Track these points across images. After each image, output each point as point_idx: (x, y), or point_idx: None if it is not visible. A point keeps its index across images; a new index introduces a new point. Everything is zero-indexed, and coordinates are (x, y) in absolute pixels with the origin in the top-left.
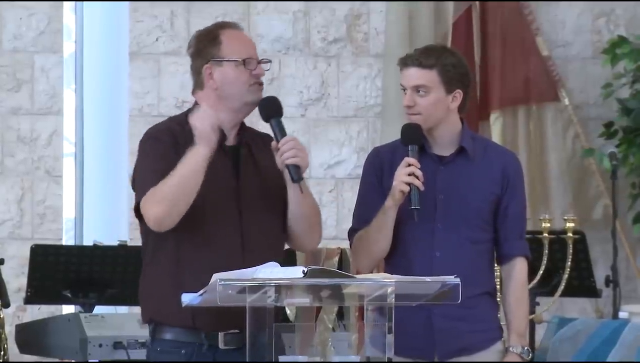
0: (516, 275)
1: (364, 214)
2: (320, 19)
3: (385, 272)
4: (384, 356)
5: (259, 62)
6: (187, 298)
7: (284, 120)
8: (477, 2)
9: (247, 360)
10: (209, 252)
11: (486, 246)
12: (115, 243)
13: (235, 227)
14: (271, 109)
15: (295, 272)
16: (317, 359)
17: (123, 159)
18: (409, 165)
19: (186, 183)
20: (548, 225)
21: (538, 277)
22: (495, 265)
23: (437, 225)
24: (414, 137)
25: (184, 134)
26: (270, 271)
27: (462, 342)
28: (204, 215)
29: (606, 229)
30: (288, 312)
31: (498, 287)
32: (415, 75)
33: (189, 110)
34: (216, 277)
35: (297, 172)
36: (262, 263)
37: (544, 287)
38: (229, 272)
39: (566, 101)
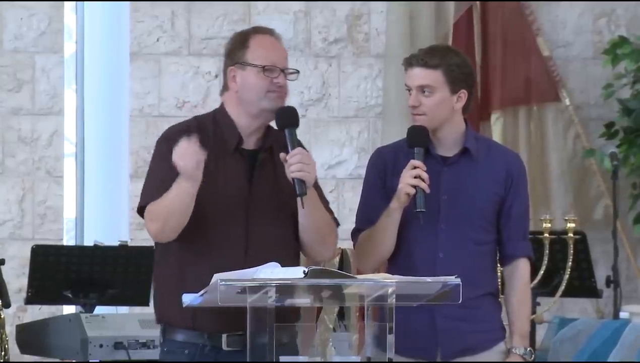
0: (519, 276)
1: (367, 215)
2: (321, 19)
3: (388, 272)
4: (384, 356)
5: (283, 70)
6: (187, 299)
7: None
8: (478, 2)
9: (248, 360)
10: (211, 255)
11: (489, 247)
12: (115, 243)
13: (241, 232)
14: (286, 119)
15: (295, 272)
16: (318, 359)
17: (124, 159)
18: (415, 167)
19: (175, 209)
20: (549, 225)
21: (539, 277)
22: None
23: (440, 226)
24: (420, 139)
25: (206, 133)
26: (271, 271)
27: (465, 343)
28: (211, 219)
29: (607, 229)
30: None
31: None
32: (420, 75)
33: (216, 111)
34: (217, 277)
35: (300, 186)
36: None
37: (545, 287)
38: (229, 272)
39: (567, 101)
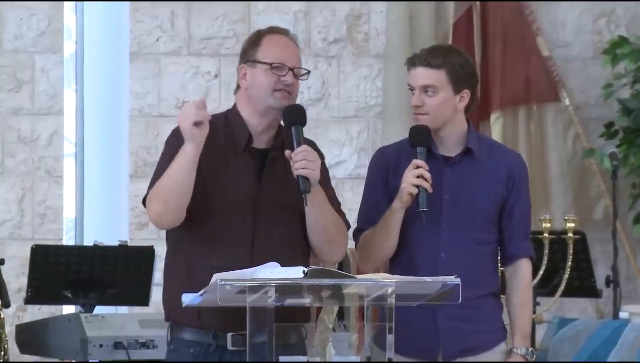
0: (521, 277)
1: (369, 215)
2: (320, 19)
3: (390, 272)
4: (384, 356)
5: (292, 69)
6: (187, 299)
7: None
8: (478, 2)
9: (247, 360)
10: (217, 254)
11: (491, 247)
12: (115, 243)
13: (247, 231)
14: (293, 117)
15: (295, 272)
16: (317, 359)
17: (123, 159)
18: (417, 167)
19: (176, 181)
20: (548, 225)
21: (538, 277)
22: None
23: (442, 226)
24: (422, 139)
25: (218, 132)
26: (271, 271)
27: (466, 343)
28: (218, 217)
29: (607, 229)
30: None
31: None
32: (423, 75)
33: (229, 110)
34: (216, 277)
35: (304, 183)
36: None
37: (545, 287)
38: (229, 272)
39: (567, 101)
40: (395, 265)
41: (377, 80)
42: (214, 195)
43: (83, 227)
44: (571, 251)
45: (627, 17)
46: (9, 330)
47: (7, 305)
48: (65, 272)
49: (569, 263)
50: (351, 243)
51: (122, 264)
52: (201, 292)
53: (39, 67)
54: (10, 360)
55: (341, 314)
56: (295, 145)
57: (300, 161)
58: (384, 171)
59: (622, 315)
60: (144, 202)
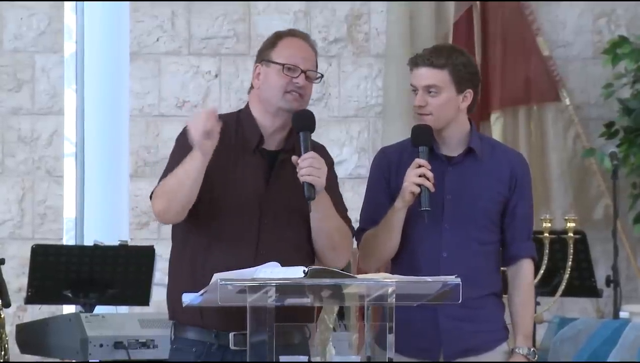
0: (523, 277)
1: (371, 214)
2: (320, 19)
3: (392, 271)
4: (385, 355)
5: (304, 71)
6: (187, 298)
7: None
8: (478, 2)
9: (248, 360)
10: (222, 254)
11: (493, 247)
12: (115, 243)
13: (253, 232)
14: (302, 122)
15: (295, 272)
16: (317, 359)
17: (124, 158)
18: (420, 166)
19: (181, 183)
20: (549, 225)
21: (539, 277)
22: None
23: (444, 226)
24: (424, 138)
25: (229, 131)
26: (271, 271)
27: (468, 343)
28: (225, 217)
29: (607, 229)
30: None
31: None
32: (426, 75)
33: (241, 109)
34: (217, 276)
35: (309, 190)
36: None
37: (545, 287)
38: (230, 271)
39: (567, 101)
40: (398, 264)
41: (377, 80)
42: (221, 194)
43: (83, 227)
44: (571, 251)
45: (627, 17)
46: (9, 330)
47: (7, 305)
48: (65, 271)
49: (569, 263)
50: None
51: (123, 264)
52: (201, 291)
53: (39, 66)
54: (11, 360)
55: (341, 314)
56: (302, 151)
57: (307, 168)
58: (386, 171)
59: (623, 314)
60: (151, 196)
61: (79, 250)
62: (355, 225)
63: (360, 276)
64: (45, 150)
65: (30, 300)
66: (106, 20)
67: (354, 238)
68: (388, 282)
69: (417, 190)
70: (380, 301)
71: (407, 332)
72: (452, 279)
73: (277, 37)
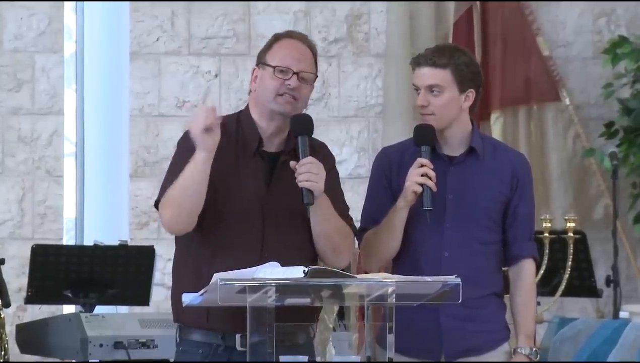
0: (525, 277)
1: (373, 214)
2: (320, 19)
3: (394, 271)
4: (385, 355)
5: (296, 73)
6: (187, 298)
7: None
8: (478, 2)
9: (248, 360)
10: (226, 257)
11: (495, 247)
12: (115, 243)
13: (257, 234)
14: (300, 126)
15: (295, 272)
16: (318, 359)
17: (124, 158)
18: (422, 165)
19: (188, 187)
20: (549, 225)
21: (539, 277)
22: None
23: (446, 225)
24: (427, 138)
25: (229, 134)
26: (271, 271)
27: (469, 343)
28: (228, 219)
29: (607, 229)
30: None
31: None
32: (428, 74)
33: (241, 111)
34: (217, 276)
35: (307, 196)
36: None
37: (545, 287)
38: (230, 272)
39: (567, 101)
40: (399, 264)
41: (377, 79)
42: (224, 198)
43: (83, 227)
44: (571, 251)
45: (627, 17)
46: (9, 330)
47: (7, 304)
48: (65, 271)
49: (569, 263)
50: None
51: (123, 264)
52: (201, 291)
53: (39, 66)
54: (11, 360)
55: (341, 314)
56: (300, 156)
57: (305, 173)
58: (387, 171)
59: (623, 314)
60: (156, 205)
61: (79, 250)
62: (355, 225)
63: (360, 276)
64: (45, 150)
65: (30, 300)
66: (106, 20)
67: (355, 238)
68: (388, 281)
69: (419, 189)
70: (380, 301)
71: (408, 331)
72: (452, 279)
73: (274, 39)
